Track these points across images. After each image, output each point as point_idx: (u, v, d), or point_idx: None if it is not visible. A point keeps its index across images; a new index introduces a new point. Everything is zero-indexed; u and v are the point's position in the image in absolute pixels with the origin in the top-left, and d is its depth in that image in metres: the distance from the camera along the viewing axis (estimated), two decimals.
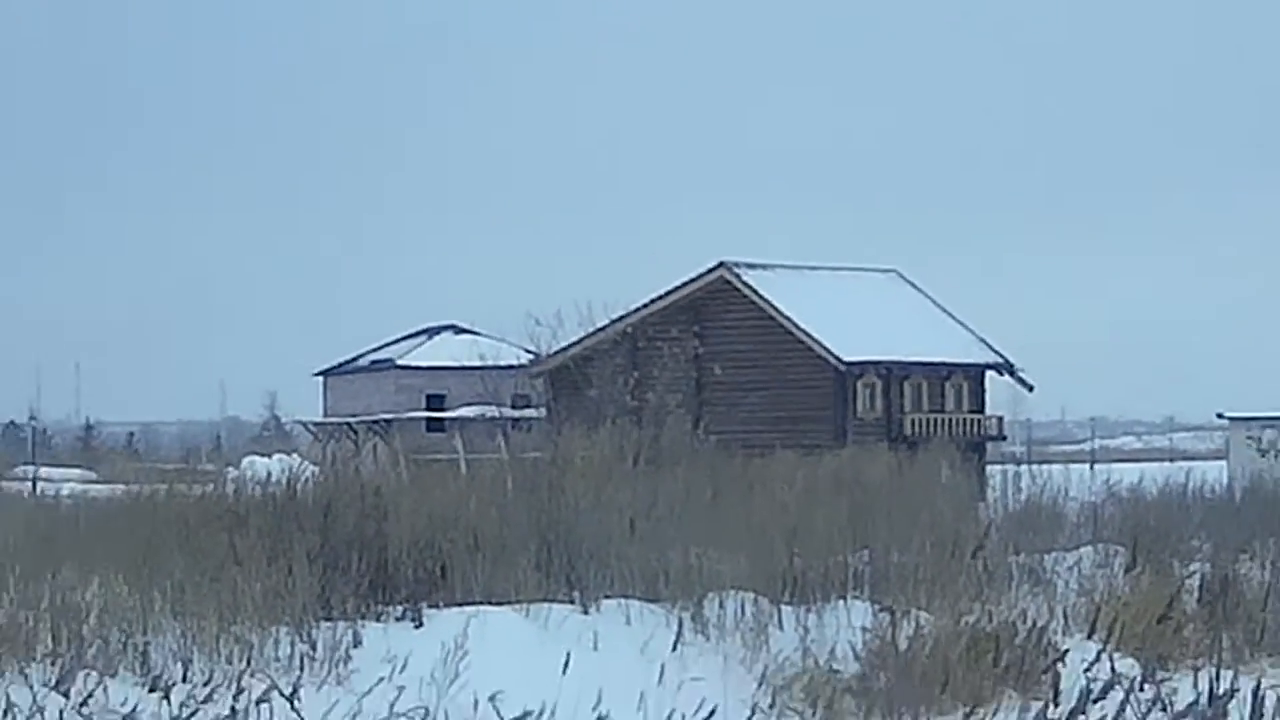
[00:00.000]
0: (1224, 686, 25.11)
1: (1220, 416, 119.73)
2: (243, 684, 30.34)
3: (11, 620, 36.15)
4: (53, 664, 32.90)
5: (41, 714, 26.88)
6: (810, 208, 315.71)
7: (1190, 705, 24.07)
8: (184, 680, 31.72)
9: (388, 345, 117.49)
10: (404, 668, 32.88)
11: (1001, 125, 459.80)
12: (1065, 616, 44.93)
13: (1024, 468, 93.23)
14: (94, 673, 32.42)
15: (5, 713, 27.86)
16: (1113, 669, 30.96)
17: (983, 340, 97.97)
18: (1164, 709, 25.12)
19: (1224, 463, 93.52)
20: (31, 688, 29.71)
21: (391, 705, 27.80)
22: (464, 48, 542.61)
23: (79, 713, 27.11)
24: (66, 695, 28.88)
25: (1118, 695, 26.29)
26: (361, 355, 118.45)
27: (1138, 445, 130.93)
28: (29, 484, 71.10)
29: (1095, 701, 26.65)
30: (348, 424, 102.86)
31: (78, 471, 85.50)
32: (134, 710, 26.90)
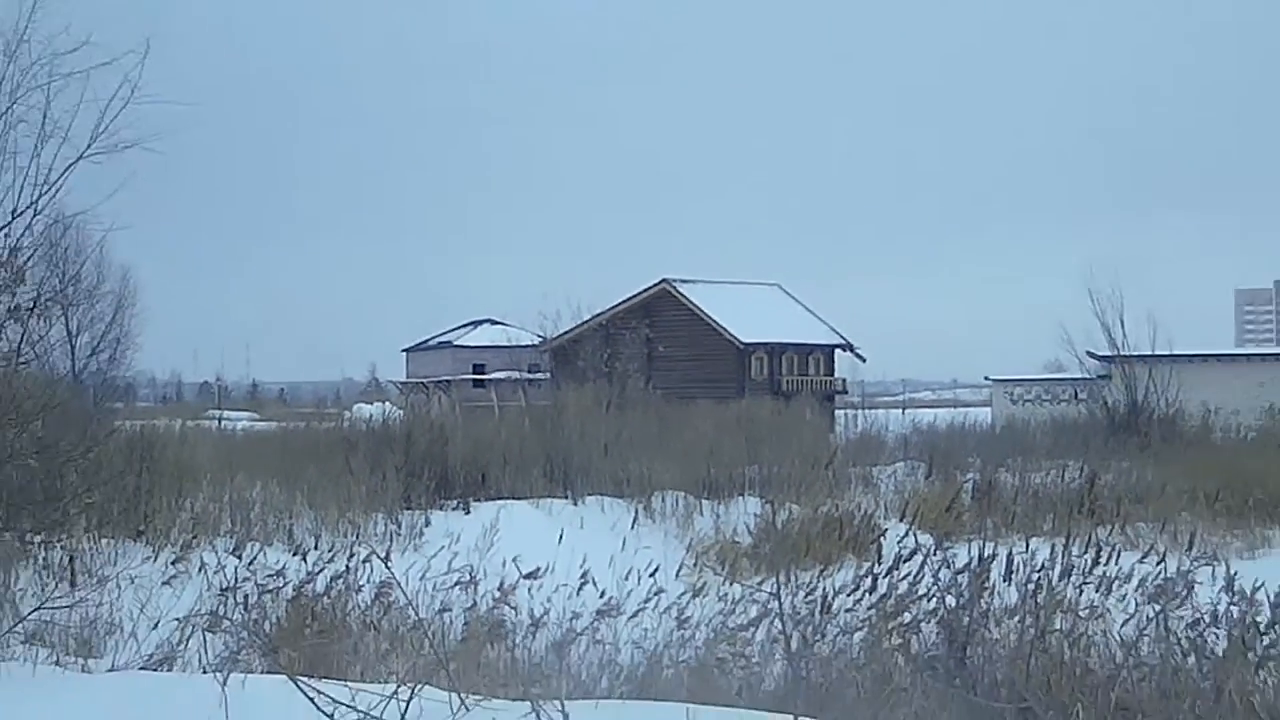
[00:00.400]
0: (988, 552, 25.39)
1: (987, 379, 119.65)
2: (353, 550, 30.62)
3: (205, 510, 37.07)
4: (231, 538, 33.19)
5: (223, 571, 27.02)
6: (725, 234, 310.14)
7: (966, 565, 23.09)
8: (315, 548, 31.98)
9: (448, 332, 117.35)
10: (458, 540, 33.30)
11: (852, 176, 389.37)
12: (885, 507, 45.21)
13: (859, 412, 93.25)
14: (257, 543, 32.89)
15: (200, 569, 28.32)
16: (916, 541, 30.82)
17: (833, 329, 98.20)
18: (948, 567, 23.57)
19: (989, 409, 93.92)
20: (217, 554, 29.93)
21: (449, 563, 28.02)
22: (504, 80, 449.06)
23: (248, 569, 27.18)
24: (239, 558, 29.02)
25: (919, 558, 26.68)
26: (431, 338, 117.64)
27: (933, 397, 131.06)
28: (215, 422, 71.07)
29: (904, 562, 27.04)
30: (421, 383, 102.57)
31: (247, 414, 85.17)
32: (283, 568, 27.12)
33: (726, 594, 25.99)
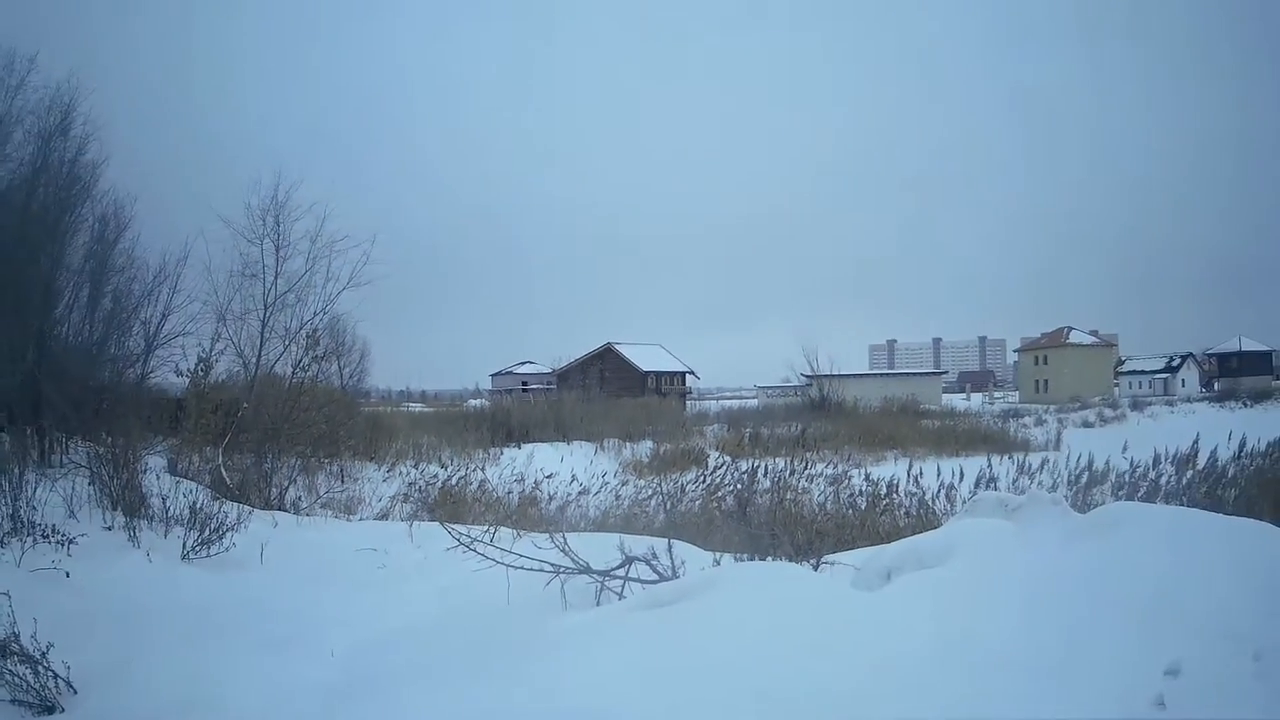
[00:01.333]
0: (756, 464, 25.70)
1: (756, 385, 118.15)
2: (467, 465, 31.17)
3: (401, 447, 35.95)
4: (414, 460, 32.74)
5: (410, 474, 27.30)
6: (639, 312, 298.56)
7: (746, 470, 22.93)
8: (450, 464, 31.85)
9: (511, 366, 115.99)
10: (515, 461, 33.76)
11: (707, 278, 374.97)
12: (712, 445, 44.32)
13: (697, 402, 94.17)
14: (425, 462, 32.38)
15: (399, 474, 28.33)
16: (722, 460, 32.33)
17: (683, 363, 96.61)
18: (737, 471, 24.74)
19: (757, 400, 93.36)
20: (407, 468, 29.76)
21: (511, 471, 28.13)
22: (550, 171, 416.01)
23: (420, 474, 27.30)
24: (417, 469, 28.98)
25: (724, 467, 28.06)
26: (503, 370, 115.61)
27: (731, 394, 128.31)
28: (405, 407, 70.29)
29: (717, 469, 27.88)
30: (498, 391, 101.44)
31: (419, 405, 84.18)
32: (435, 475, 27.09)
33: (640, 485, 26.62)
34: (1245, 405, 75.97)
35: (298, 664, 8.11)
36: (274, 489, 20.50)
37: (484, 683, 6.90)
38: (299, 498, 21.29)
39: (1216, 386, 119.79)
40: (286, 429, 22.07)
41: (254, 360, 23.52)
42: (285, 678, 7.75)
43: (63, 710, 7.09)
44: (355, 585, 11.40)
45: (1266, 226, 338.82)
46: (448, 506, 20.87)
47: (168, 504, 13.39)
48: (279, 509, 18.53)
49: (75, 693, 7.10)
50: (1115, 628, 6.64)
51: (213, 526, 12.31)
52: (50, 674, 7.18)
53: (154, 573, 10.85)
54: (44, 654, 7.19)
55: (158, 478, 15.55)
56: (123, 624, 8.71)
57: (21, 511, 11.39)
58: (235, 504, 15.36)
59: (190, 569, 11.40)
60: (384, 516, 20.16)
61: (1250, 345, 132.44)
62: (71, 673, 7.14)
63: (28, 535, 10.79)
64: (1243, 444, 22.97)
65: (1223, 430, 25.11)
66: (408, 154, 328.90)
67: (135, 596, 9.72)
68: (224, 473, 19.56)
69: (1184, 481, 20.74)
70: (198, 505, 12.93)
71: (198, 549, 11.85)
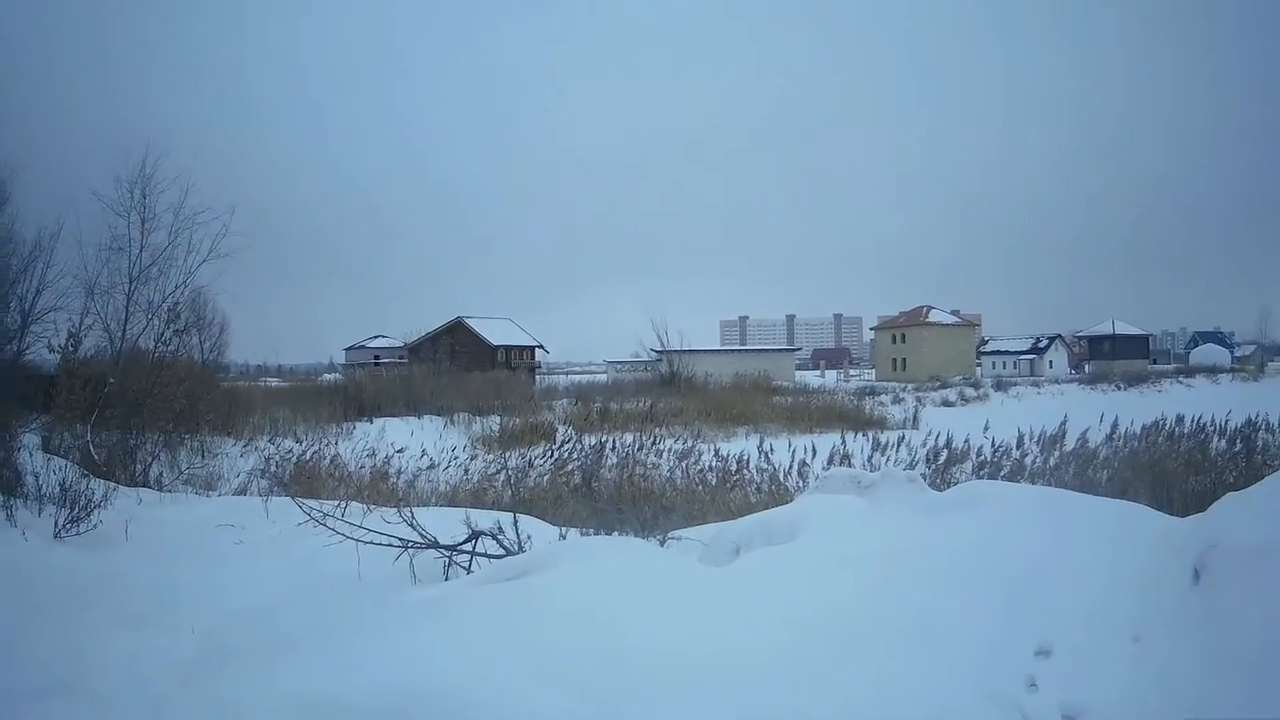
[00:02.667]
0: (605, 439, 26.80)
1: (605, 360, 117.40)
2: (321, 442, 32.55)
3: (258, 422, 36.71)
4: (270, 434, 33.56)
5: (265, 449, 28.27)
6: (489, 285, 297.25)
7: (594, 445, 25.08)
8: (304, 439, 33.24)
9: (364, 340, 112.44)
10: (366, 435, 33.95)
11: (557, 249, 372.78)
12: (558, 419, 44.08)
13: (546, 376, 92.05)
14: (281, 436, 33.30)
15: (256, 449, 28.84)
16: (571, 434, 32.44)
17: (533, 337, 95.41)
18: (584, 446, 25.77)
19: (606, 374, 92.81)
20: (263, 442, 30.88)
21: (363, 445, 28.72)
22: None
23: (276, 449, 28.47)
24: (273, 444, 29.90)
25: (572, 441, 28.05)
26: (356, 344, 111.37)
27: (579, 369, 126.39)
28: (262, 382, 69.52)
29: (565, 444, 27.95)
30: (351, 365, 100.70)
31: (275, 379, 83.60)
32: (289, 450, 28.38)
33: (488, 459, 26.87)
34: (1119, 388, 76.03)
35: (159, 641, 8.27)
36: (138, 465, 20.72)
37: (335, 658, 7.01)
38: (161, 474, 21.36)
39: (1087, 369, 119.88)
40: (149, 404, 22.19)
41: (120, 335, 23.82)
42: (146, 655, 7.87)
43: None
44: (214, 561, 11.62)
45: (1144, 212, 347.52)
46: (302, 481, 20.99)
47: (40, 482, 13.69)
48: (143, 485, 18.85)
49: None
50: (980, 607, 6.79)
51: (81, 504, 12.47)
52: None
53: (28, 552, 11.06)
54: None
55: (31, 455, 16.02)
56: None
57: None
58: (102, 481, 15.76)
59: (62, 548, 11.66)
60: (242, 492, 20.35)
61: (1125, 329, 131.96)
62: None
63: None
64: (1114, 425, 23.10)
65: (1093, 412, 25.38)
66: (255, 129, 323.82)
67: (13, 576, 9.96)
68: (92, 449, 19.88)
69: (1051, 462, 20.66)
70: (67, 483, 13.18)
71: (68, 527, 12.13)
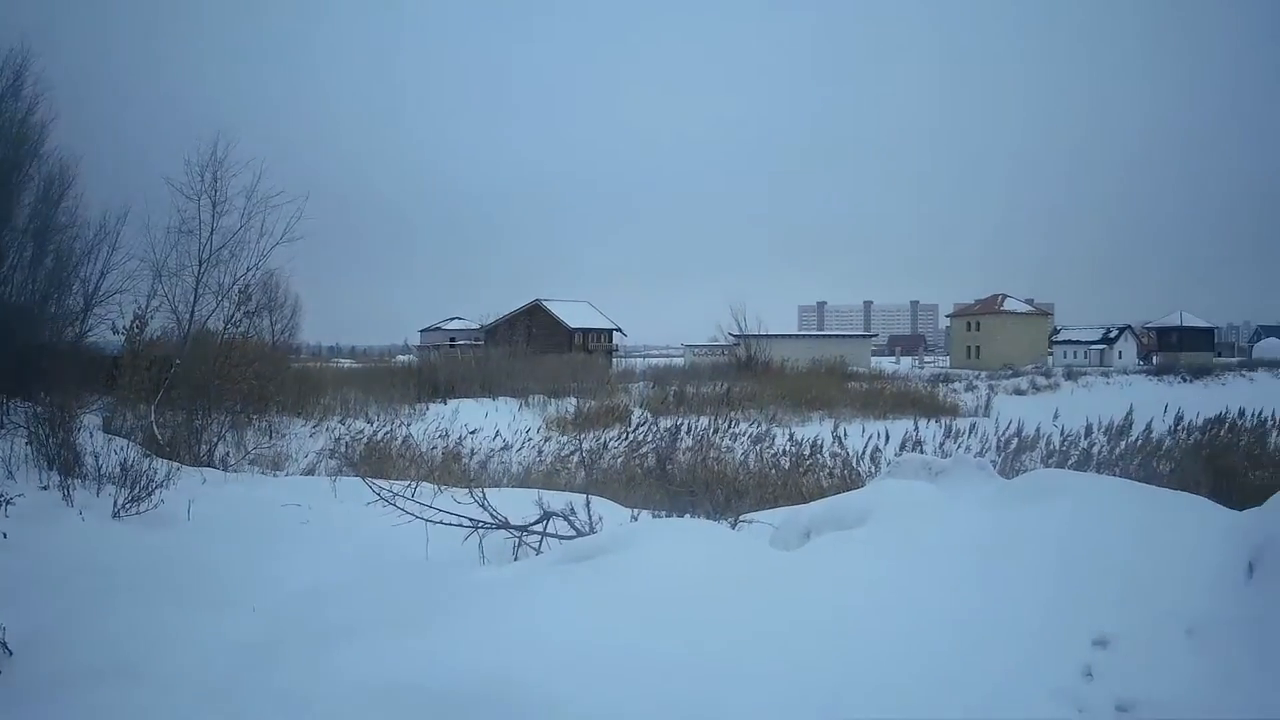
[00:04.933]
0: (680, 422, 26.01)
1: (683, 344, 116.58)
2: (394, 423, 32.39)
3: (328, 403, 36.88)
4: (340, 415, 33.40)
5: (336, 430, 28.07)
6: (570, 273, 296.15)
7: (669, 427, 24.64)
8: (376, 420, 32.75)
9: (440, 322, 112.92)
10: (440, 416, 33.38)
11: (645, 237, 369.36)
12: (636, 402, 44.36)
13: (624, 359, 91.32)
14: (352, 417, 32.85)
15: (326, 429, 28.78)
16: (647, 417, 32.35)
17: (611, 320, 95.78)
18: (659, 429, 25.45)
19: (683, 359, 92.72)
20: (334, 422, 30.81)
21: (437, 426, 28.32)
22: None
23: (346, 429, 28.06)
24: (344, 424, 29.65)
25: (647, 424, 27.80)
26: (431, 326, 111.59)
27: (659, 352, 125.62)
28: (335, 363, 70.17)
29: (641, 426, 27.60)
30: (427, 347, 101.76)
31: (348, 360, 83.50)
32: (360, 431, 27.93)
33: (562, 441, 26.73)
34: (1184, 380, 75.39)
35: (222, 622, 8.08)
36: (203, 445, 20.69)
37: (402, 640, 6.89)
38: (227, 454, 21.34)
39: (1155, 360, 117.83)
40: (217, 385, 22.14)
41: (188, 317, 23.72)
42: (210, 636, 7.70)
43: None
44: (279, 540, 11.44)
45: (1215, 205, 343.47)
46: (372, 462, 20.98)
47: (100, 462, 13.56)
48: (208, 465, 18.77)
49: (10, 654, 7.08)
50: (1042, 595, 6.67)
51: (142, 484, 12.35)
52: None
53: (86, 531, 10.96)
54: None
55: (91, 436, 15.83)
56: (55, 585, 8.74)
57: None
58: (165, 461, 15.72)
59: (120, 527, 11.50)
60: (310, 472, 20.20)
61: (1192, 321, 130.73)
62: (5, 634, 7.10)
63: None
64: (1179, 418, 22.59)
65: (1159, 403, 24.67)
66: (328, 114, 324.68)
67: (68, 556, 9.80)
68: (155, 430, 19.80)
69: (1116, 452, 20.36)
70: (128, 463, 13.07)
71: (128, 507, 11.94)
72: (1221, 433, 21.70)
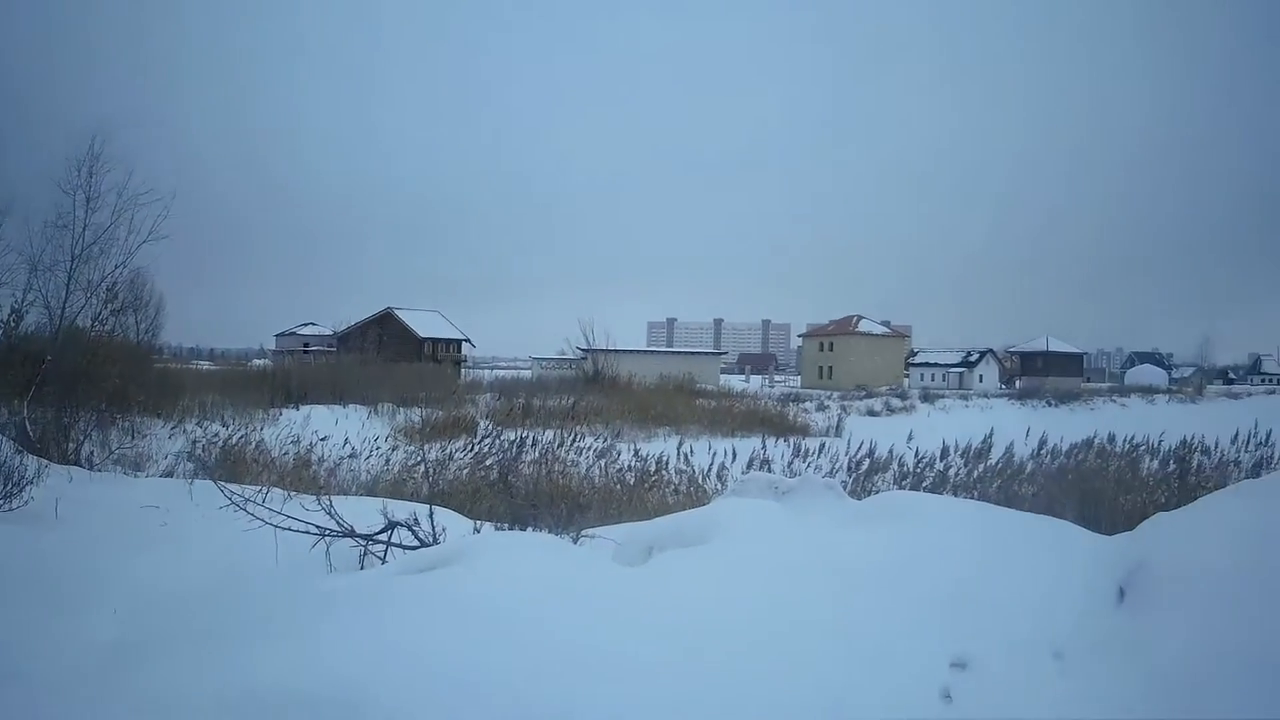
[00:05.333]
0: (524, 435, 25.16)
1: (531, 357, 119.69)
2: (248, 427, 32.83)
3: (187, 405, 37.23)
4: (198, 418, 34.35)
5: (193, 433, 29.14)
6: (421, 282, 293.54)
7: (514, 440, 23.98)
8: (231, 424, 33.62)
9: (293, 327, 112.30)
10: (292, 422, 34.60)
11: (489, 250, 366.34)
12: (483, 414, 44.70)
13: (471, 371, 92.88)
14: (208, 420, 33.89)
15: (184, 432, 29.28)
16: (491, 429, 32.33)
17: (460, 330, 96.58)
18: (503, 441, 24.89)
19: (530, 371, 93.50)
20: (191, 425, 31.77)
21: (289, 432, 28.80)
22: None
23: (204, 432, 29.10)
24: (201, 427, 30.77)
25: (491, 436, 27.69)
26: (285, 331, 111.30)
27: (506, 365, 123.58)
28: (194, 365, 68.94)
29: (485, 438, 27.73)
30: (281, 351, 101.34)
31: (207, 362, 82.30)
32: (216, 434, 28.72)
33: (409, 450, 26.95)
34: (1049, 405, 75.22)
35: (84, 623, 8.32)
36: (71, 443, 20.92)
37: (255, 647, 6.86)
38: (93, 452, 21.50)
39: (1019, 384, 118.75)
40: (84, 383, 22.31)
41: (59, 312, 24.10)
42: (71, 638, 7.86)
43: None
44: (140, 542, 11.58)
45: (1086, 235, 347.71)
46: (227, 465, 21.11)
47: None
48: (75, 463, 19.00)
49: None
50: (895, 616, 6.72)
51: (14, 480, 12.64)
52: None
53: None
54: None
55: None
56: None
57: None
58: (35, 458, 15.98)
59: None
60: (169, 474, 20.31)
61: (1059, 346, 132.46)
62: None
63: None
64: (1042, 441, 23.08)
65: (1021, 427, 25.22)
66: (186, 117, 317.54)
67: None
68: (28, 426, 20.15)
69: (974, 475, 20.58)
70: (1, 459, 13.36)
71: (1, 503, 12.25)
72: (1090, 457, 22.18)
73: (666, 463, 23.26)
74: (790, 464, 24.47)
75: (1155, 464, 21.20)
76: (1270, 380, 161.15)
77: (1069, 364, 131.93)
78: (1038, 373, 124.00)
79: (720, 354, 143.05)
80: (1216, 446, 23.11)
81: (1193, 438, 23.10)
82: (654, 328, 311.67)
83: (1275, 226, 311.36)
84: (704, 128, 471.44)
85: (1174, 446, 22.60)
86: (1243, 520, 7.01)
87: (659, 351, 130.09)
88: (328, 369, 56.23)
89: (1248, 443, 23.30)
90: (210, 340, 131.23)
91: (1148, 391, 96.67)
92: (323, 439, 26.53)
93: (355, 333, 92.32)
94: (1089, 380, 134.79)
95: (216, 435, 27.78)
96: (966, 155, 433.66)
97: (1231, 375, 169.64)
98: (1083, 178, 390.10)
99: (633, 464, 23.75)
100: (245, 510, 10.72)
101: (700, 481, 21.70)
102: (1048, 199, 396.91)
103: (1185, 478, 19.09)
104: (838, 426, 49.08)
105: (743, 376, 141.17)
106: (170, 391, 37.20)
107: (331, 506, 10.67)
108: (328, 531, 10.35)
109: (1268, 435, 23.39)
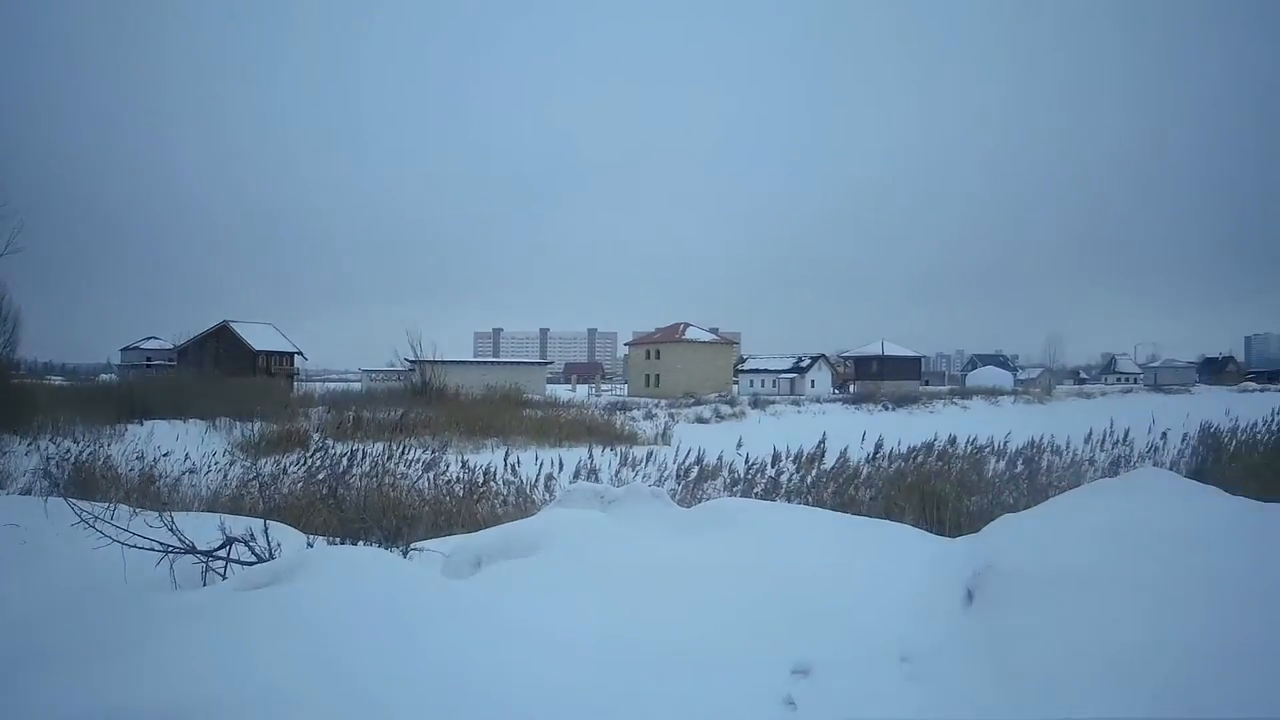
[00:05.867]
0: (355, 448, 25.02)
1: (361, 369, 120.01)
2: (96, 443, 32.43)
3: (40, 421, 36.88)
4: (51, 435, 34.99)
5: (48, 449, 29.40)
6: (262, 292, 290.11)
7: (344, 453, 24.21)
8: (80, 440, 33.96)
9: (138, 341, 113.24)
10: (137, 437, 34.60)
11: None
12: (315, 427, 44.78)
13: (305, 383, 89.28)
14: (62, 437, 34.43)
15: (39, 449, 29.68)
16: (323, 442, 29.99)
17: (293, 343, 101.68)
18: (333, 454, 24.82)
19: (360, 383, 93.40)
20: (46, 442, 32.06)
21: (136, 447, 28.86)
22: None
23: (57, 449, 29.49)
24: (55, 444, 31.14)
25: (323, 450, 26.16)
26: (131, 345, 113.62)
27: (336, 376, 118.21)
28: (47, 380, 67.67)
29: (317, 452, 26.51)
30: (126, 365, 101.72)
31: (59, 378, 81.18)
32: (69, 450, 29.26)
33: (245, 465, 27.54)
34: (886, 408, 75.78)
35: None
36: None
37: (101, 665, 6.59)
38: None
39: (853, 389, 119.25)
40: None
41: None
42: None
43: None
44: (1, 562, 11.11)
45: (926, 240, 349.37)
46: (79, 482, 21.35)
47: None
48: None
49: None
50: (732, 624, 6.65)
51: None
52: None
53: None
54: None
55: None
56: None
57: None
58: None
59: None
60: (27, 491, 20.33)
61: (895, 350, 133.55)
62: None
63: None
64: (879, 445, 22.00)
65: (856, 431, 24.38)
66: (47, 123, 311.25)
67: None
68: None
69: (808, 480, 19.71)
70: None
71: None
72: (930, 460, 21.22)
73: (494, 474, 22.81)
74: (618, 473, 23.87)
75: (1001, 465, 20.78)
76: (1125, 379, 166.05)
77: (906, 367, 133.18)
78: (873, 376, 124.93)
79: (546, 363, 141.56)
80: (1069, 446, 22.74)
81: (1041, 437, 22.97)
82: (480, 338, 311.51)
83: (1126, 229, 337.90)
84: (524, 143, 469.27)
85: (1021, 447, 22.37)
86: (1099, 520, 7.22)
87: (486, 362, 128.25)
88: (169, 384, 55.82)
89: (1103, 441, 23.00)
90: (59, 354, 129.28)
91: (992, 393, 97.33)
92: (165, 454, 26.30)
93: (194, 346, 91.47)
94: (928, 384, 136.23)
95: (69, 452, 27.56)
96: (807, 165, 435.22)
97: (1084, 375, 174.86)
98: (924, 184, 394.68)
99: (461, 475, 23.31)
100: (94, 528, 10.44)
101: (528, 492, 21.53)
102: (889, 207, 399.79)
103: (1035, 478, 18.94)
104: (665, 434, 48.76)
105: (569, 386, 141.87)
106: (27, 407, 37.19)
107: (174, 523, 10.40)
108: (171, 548, 10.09)
109: (1126, 433, 23.14)
